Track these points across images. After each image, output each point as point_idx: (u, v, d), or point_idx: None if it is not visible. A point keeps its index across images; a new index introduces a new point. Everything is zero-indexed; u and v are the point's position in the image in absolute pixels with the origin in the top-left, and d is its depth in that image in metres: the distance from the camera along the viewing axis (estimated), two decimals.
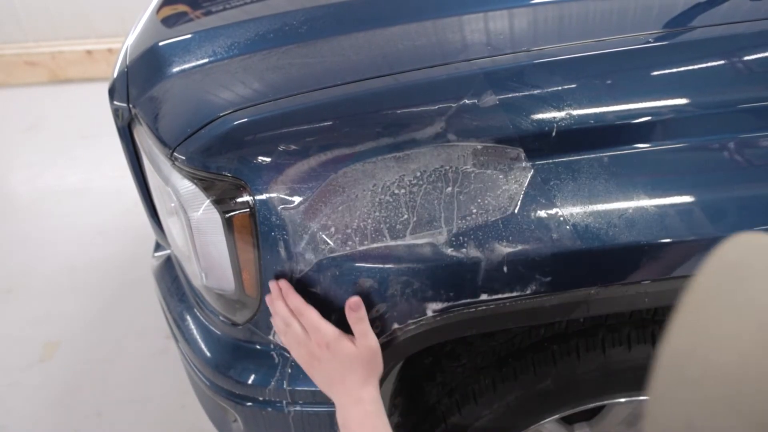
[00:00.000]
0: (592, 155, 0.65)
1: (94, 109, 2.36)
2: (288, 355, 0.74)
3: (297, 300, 0.66)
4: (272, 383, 0.74)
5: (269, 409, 0.76)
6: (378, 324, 0.67)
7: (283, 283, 0.66)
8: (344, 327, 0.66)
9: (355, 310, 0.64)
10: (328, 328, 0.64)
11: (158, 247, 1.09)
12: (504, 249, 0.63)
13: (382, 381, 0.74)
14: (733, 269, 0.31)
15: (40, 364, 1.60)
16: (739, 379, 0.27)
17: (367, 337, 0.64)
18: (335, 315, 0.67)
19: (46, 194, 2.31)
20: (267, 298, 0.68)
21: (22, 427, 1.44)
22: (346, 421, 0.63)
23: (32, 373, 1.57)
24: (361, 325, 0.64)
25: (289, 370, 0.74)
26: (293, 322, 0.66)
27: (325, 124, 0.65)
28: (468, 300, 0.65)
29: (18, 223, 2.18)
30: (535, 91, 0.64)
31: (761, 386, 0.26)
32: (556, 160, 0.65)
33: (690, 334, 0.30)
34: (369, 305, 0.66)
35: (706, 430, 0.27)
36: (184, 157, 0.67)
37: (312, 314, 0.65)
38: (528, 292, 0.65)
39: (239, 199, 0.65)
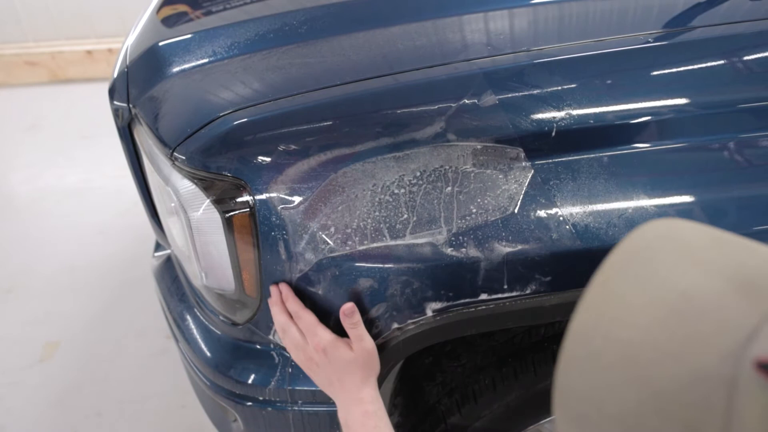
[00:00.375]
0: (592, 155, 0.65)
1: (94, 109, 2.36)
2: (288, 355, 0.74)
3: (295, 304, 0.66)
4: (272, 383, 0.74)
5: (269, 409, 0.76)
6: (378, 324, 0.67)
7: (284, 287, 0.67)
8: (344, 331, 0.66)
9: (349, 316, 0.65)
10: (325, 333, 0.65)
11: (158, 247, 1.09)
12: (504, 249, 0.63)
13: (382, 380, 0.74)
14: (639, 252, 0.32)
15: (40, 364, 1.60)
16: (637, 355, 0.28)
17: (363, 341, 0.65)
18: (335, 314, 0.67)
19: (46, 194, 2.31)
20: (269, 302, 0.69)
21: (22, 427, 1.44)
22: (347, 421, 0.64)
23: (32, 373, 1.57)
24: (356, 329, 0.65)
25: (290, 370, 0.74)
26: (291, 327, 0.66)
27: (325, 124, 0.65)
28: (468, 300, 0.65)
29: (18, 223, 2.18)
30: (535, 91, 0.65)
31: (656, 363, 0.27)
32: (556, 159, 0.65)
33: (594, 310, 0.31)
34: (369, 305, 0.66)
35: (609, 406, 0.28)
36: (184, 157, 0.67)
37: (309, 318, 0.66)
38: (528, 291, 0.65)
39: (239, 199, 0.65)
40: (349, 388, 0.65)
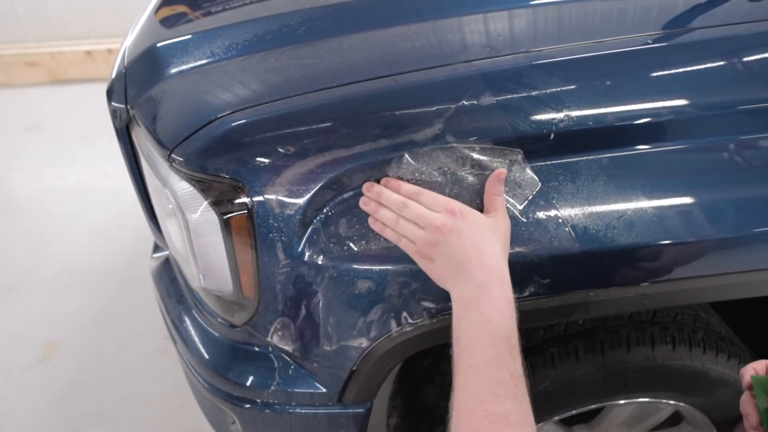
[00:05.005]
0: (591, 157, 0.65)
1: (95, 110, 2.35)
2: (287, 358, 0.74)
3: (411, 186, 0.61)
4: (271, 385, 0.74)
5: (267, 411, 0.76)
6: (376, 326, 0.67)
7: (391, 181, 0.61)
8: (343, 332, 0.66)
9: (500, 182, 0.60)
10: (453, 200, 0.59)
11: (156, 248, 1.09)
12: None
13: (380, 382, 0.73)
14: None
15: (41, 364, 1.60)
16: None
17: (503, 210, 0.60)
18: (334, 317, 0.67)
19: (47, 194, 2.31)
20: (362, 201, 0.62)
21: (22, 427, 1.44)
22: (480, 302, 0.54)
23: (32, 373, 1.57)
24: (500, 198, 0.60)
25: (289, 372, 0.74)
26: (411, 202, 0.59)
27: (324, 125, 0.65)
28: None
29: (18, 223, 2.18)
30: (534, 93, 0.64)
31: None
32: (555, 161, 0.65)
33: None
34: (367, 307, 0.66)
35: None
36: (182, 159, 0.67)
37: (430, 192, 0.60)
38: (526, 293, 0.65)
39: (237, 201, 0.65)
40: (489, 263, 0.55)
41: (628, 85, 0.66)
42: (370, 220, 0.63)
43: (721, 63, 0.67)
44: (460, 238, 0.56)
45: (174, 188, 0.70)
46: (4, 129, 2.81)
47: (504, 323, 0.53)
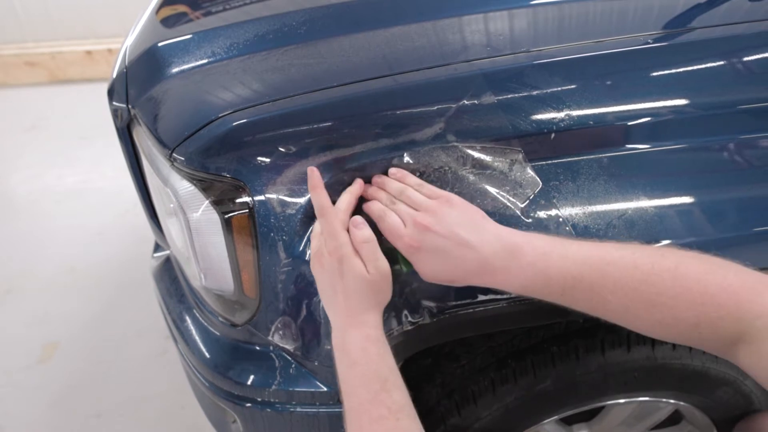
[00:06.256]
0: (592, 156, 0.65)
1: (94, 110, 2.36)
2: (289, 357, 0.74)
3: (324, 197, 0.59)
4: (272, 384, 0.74)
5: (269, 410, 0.76)
6: None
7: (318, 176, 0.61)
8: None
9: (358, 227, 0.58)
10: (346, 241, 0.58)
11: (157, 247, 1.09)
12: None
13: None
14: None
15: (39, 365, 1.59)
16: None
17: (377, 261, 0.58)
18: None
19: (46, 194, 2.31)
20: (312, 181, 0.61)
21: (21, 429, 1.44)
22: (344, 345, 0.57)
23: (31, 374, 1.57)
24: (368, 247, 0.58)
25: (290, 371, 0.74)
26: (324, 217, 0.60)
27: (325, 125, 0.65)
28: (466, 301, 0.65)
29: (17, 224, 2.18)
30: (535, 92, 0.64)
31: None
32: (556, 161, 0.65)
33: None
34: None
35: None
36: (183, 158, 0.67)
37: (334, 219, 0.59)
38: None
39: (238, 200, 0.65)
40: (353, 306, 0.57)
41: (629, 85, 0.66)
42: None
43: (722, 63, 0.67)
44: (333, 280, 0.58)
45: (175, 187, 0.70)
46: (4, 129, 2.80)
47: (370, 361, 0.56)
